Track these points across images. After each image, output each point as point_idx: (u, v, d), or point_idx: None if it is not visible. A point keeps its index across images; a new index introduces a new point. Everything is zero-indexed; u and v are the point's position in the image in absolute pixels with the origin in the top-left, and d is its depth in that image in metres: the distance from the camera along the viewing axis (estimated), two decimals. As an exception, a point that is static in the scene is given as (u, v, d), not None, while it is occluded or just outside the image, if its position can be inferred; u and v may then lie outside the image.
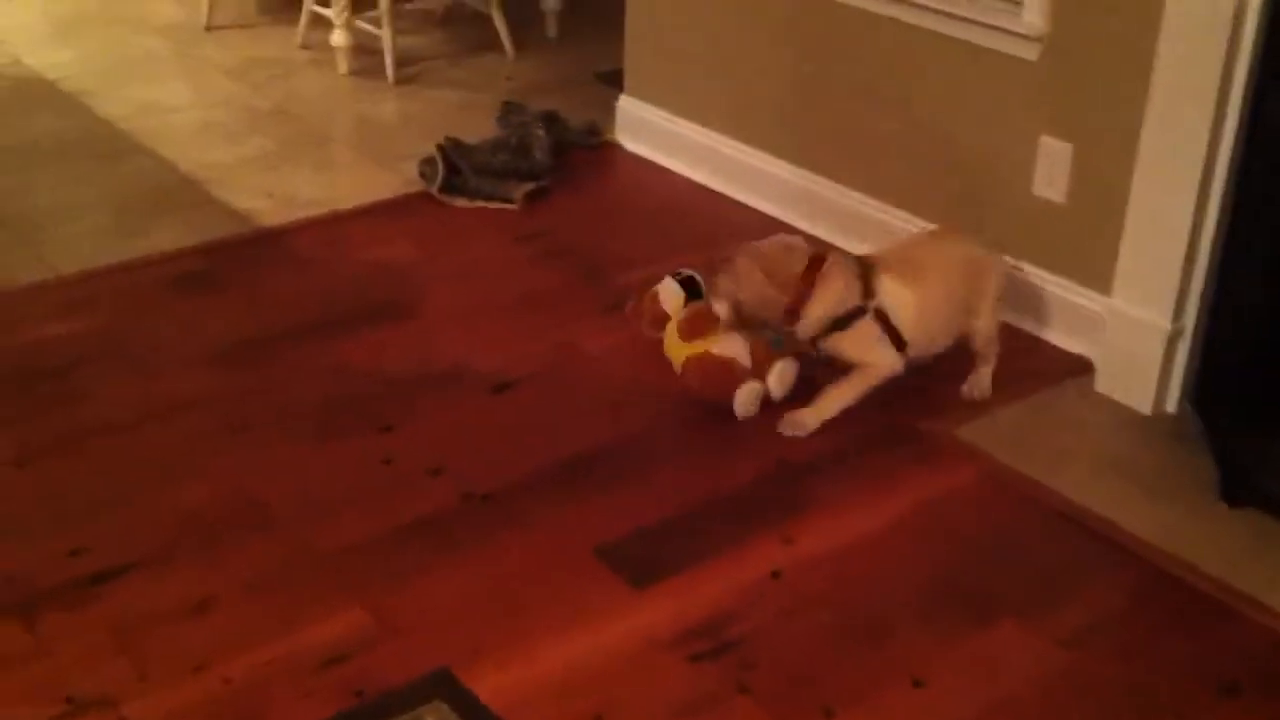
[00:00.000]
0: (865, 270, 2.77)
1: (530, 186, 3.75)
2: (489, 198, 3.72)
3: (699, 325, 2.82)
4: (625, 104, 4.10)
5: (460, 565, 2.38)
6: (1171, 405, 2.88)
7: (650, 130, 4.02)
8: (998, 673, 2.19)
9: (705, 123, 3.86)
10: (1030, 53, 3.00)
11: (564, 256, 3.45)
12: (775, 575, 2.38)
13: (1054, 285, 3.08)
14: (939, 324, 2.83)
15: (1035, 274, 3.11)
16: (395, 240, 3.52)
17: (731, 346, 2.78)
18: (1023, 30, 2.99)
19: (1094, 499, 2.59)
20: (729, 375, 2.77)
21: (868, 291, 2.74)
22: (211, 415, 2.77)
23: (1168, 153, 2.74)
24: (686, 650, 2.21)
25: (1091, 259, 2.98)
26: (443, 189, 3.73)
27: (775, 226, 3.60)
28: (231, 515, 2.48)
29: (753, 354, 2.79)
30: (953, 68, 3.18)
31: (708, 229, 3.61)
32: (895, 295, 2.76)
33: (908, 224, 3.34)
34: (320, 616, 2.24)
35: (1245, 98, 2.64)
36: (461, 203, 3.72)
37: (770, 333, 2.82)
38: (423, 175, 3.80)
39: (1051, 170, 3.03)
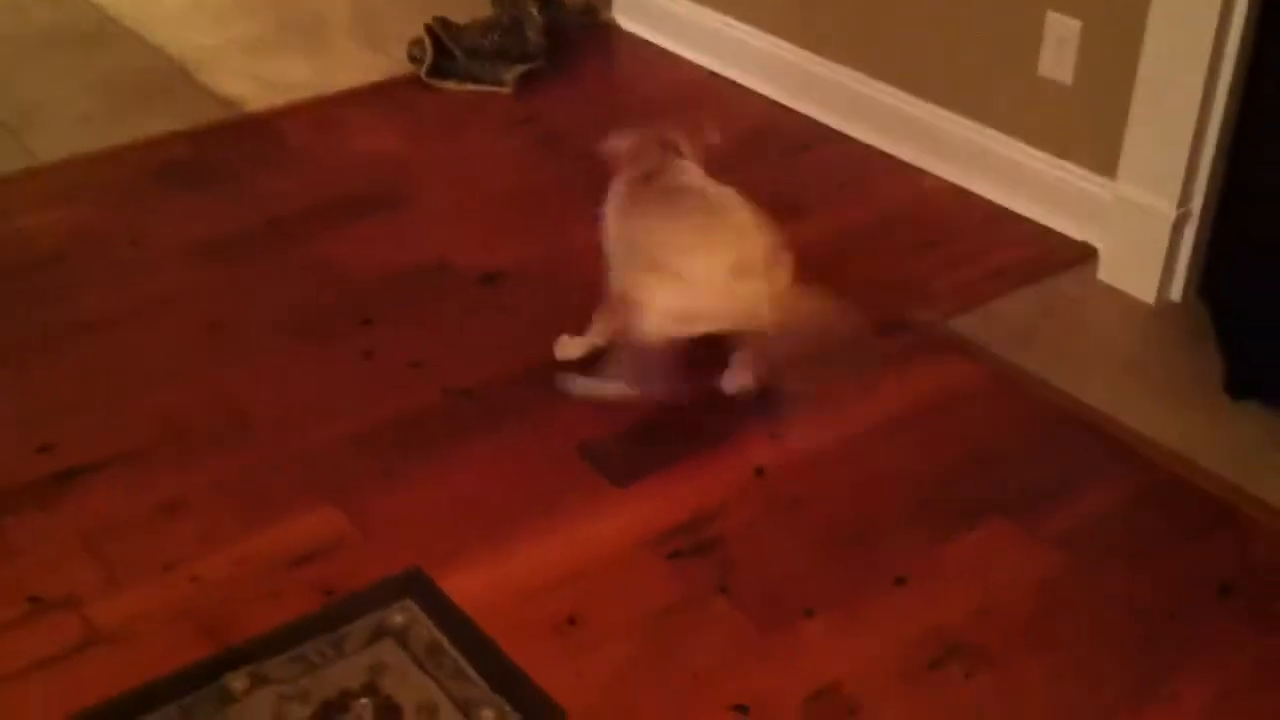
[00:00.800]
0: None
1: (523, 69, 3.65)
2: (479, 80, 3.62)
3: None
4: (624, -17, 3.98)
5: (439, 463, 2.33)
6: (1177, 294, 2.79)
7: (649, 10, 3.89)
8: (986, 573, 2.14)
9: (706, 2, 3.72)
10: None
11: (556, 144, 3.36)
12: (759, 473, 2.33)
13: (1059, 169, 2.97)
14: None
15: (1040, 158, 3.00)
16: (384, 127, 3.43)
17: None
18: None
19: (1094, 395, 2.52)
20: None
21: None
22: (191, 312, 2.71)
23: (1177, 29, 2.62)
24: (665, 549, 2.16)
25: (1098, 142, 2.87)
26: (431, 72, 3.63)
27: (778, 111, 3.52)
28: (207, 414, 2.43)
29: None
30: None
31: (705, 112, 3.47)
32: None
33: (913, 107, 3.23)
34: (291, 516, 2.20)
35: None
36: (451, 86, 3.62)
37: None
38: (412, 58, 3.69)
39: (1059, 49, 2.91)
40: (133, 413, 2.42)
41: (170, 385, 2.50)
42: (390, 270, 2.84)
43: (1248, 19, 2.55)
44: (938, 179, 3.20)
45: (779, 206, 2.89)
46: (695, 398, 2.45)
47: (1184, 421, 2.47)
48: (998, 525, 2.23)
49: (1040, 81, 2.96)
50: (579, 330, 2.55)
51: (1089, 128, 2.89)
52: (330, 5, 4.16)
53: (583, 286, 2.79)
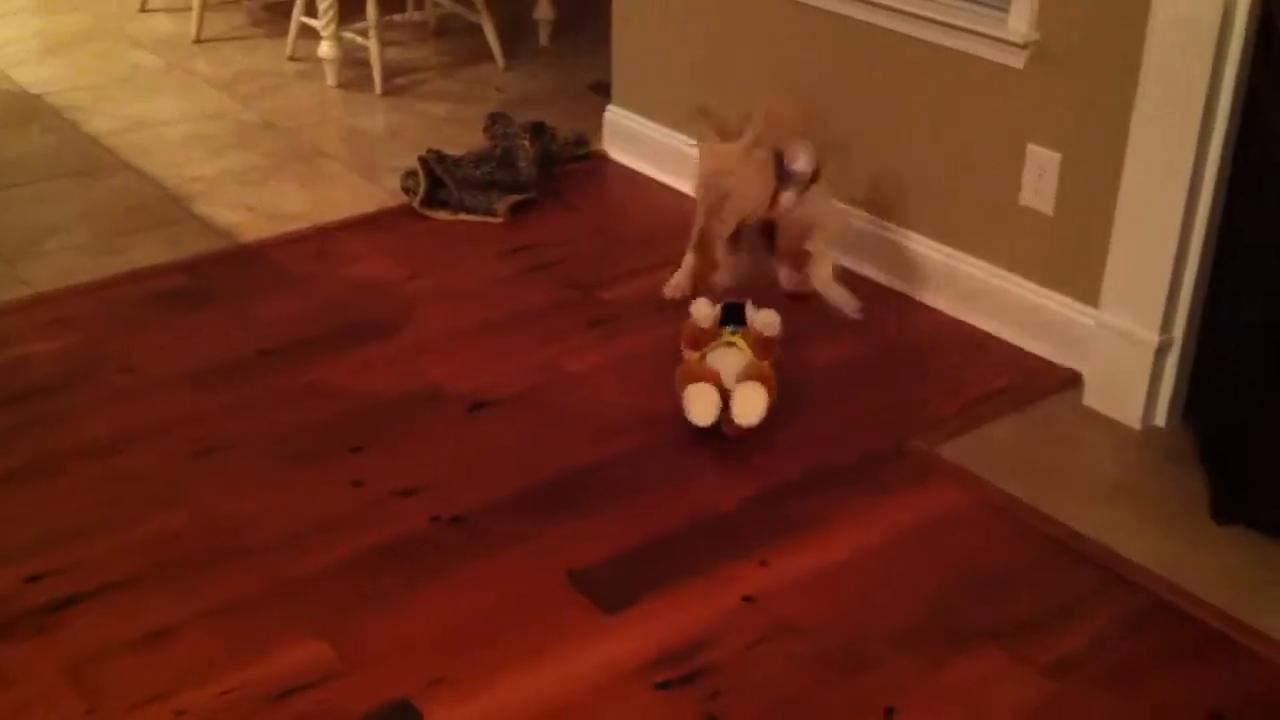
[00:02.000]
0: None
1: (515, 199, 3.71)
2: (472, 210, 3.68)
3: (699, 336, 2.75)
4: (613, 114, 4.05)
5: (427, 591, 2.33)
6: (1161, 420, 2.82)
7: (638, 141, 3.97)
8: (976, 704, 2.13)
9: (694, 133, 3.79)
10: (1017, 60, 2.94)
11: (549, 271, 3.40)
12: (748, 600, 2.33)
13: (1042, 297, 3.02)
14: None
15: (1024, 286, 3.04)
16: (377, 255, 3.48)
17: (722, 361, 2.71)
18: (1009, 37, 2.93)
19: (1084, 521, 2.53)
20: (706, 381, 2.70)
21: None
22: (188, 438, 2.72)
23: (1155, 161, 2.68)
24: (654, 678, 2.15)
25: (1079, 271, 2.92)
26: (425, 202, 3.69)
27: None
28: (200, 541, 2.43)
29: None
30: (941, 76, 3.11)
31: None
32: None
33: (895, 235, 3.29)
34: (280, 647, 2.19)
35: (1233, 106, 2.58)
36: (444, 216, 3.67)
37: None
38: (406, 189, 3.75)
39: (1039, 180, 2.97)
40: (124, 540, 2.42)
41: (162, 512, 2.50)
42: (381, 397, 2.87)
43: (1224, 151, 2.61)
44: (928, 308, 3.24)
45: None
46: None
47: (1173, 547, 2.47)
48: (989, 654, 2.23)
49: (1022, 211, 3.02)
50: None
51: (1071, 257, 2.94)
52: (325, 136, 4.25)
53: (571, 412, 2.83)
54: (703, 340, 2.74)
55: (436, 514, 2.51)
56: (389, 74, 4.60)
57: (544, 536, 2.47)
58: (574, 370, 2.99)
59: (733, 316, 2.80)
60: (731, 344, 2.73)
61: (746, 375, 2.67)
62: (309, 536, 2.45)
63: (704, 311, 2.75)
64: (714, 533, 2.50)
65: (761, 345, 2.72)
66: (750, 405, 2.66)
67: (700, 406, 2.67)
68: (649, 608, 2.30)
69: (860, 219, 3.37)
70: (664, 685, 2.14)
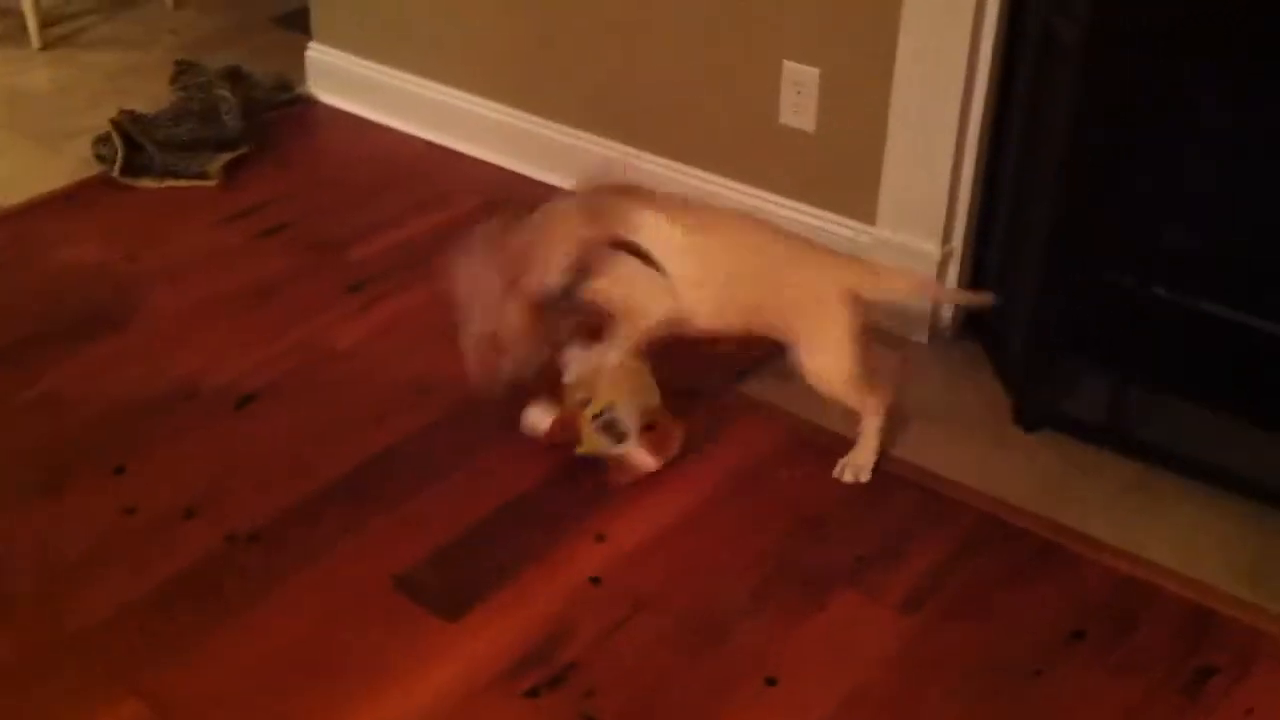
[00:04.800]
0: (614, 205, 2.41)
1: (226, 157, 3.37)
2: (180, 174, 3.33)
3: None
4: (316, 52, 3.74)
5: (239, 623, 2.08)
6: (947, 333, 2.83)
7: (349, 80, 3.68)
8: (847, 655, 2.08)
9: (409, 68, 3.55)
10: (766, -25, 2.85)
11: (285, 235, 3.11)
12: (595, 581, 2.19)
13: (812, 217, 2.96)
14: (720, 296, 2.41)
15: (794, 207, 2.98)
16: (83, 236, 3.09)
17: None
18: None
19: (898, 444, 2.50)
20: None
21: (622, 228, 2.39)
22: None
23: (926, 71, 2.64)
24: (520, 685, 2.00)
25: (853, 189, 2.87)
26: (125, 170, 3.31)
27: (504, 176, 3.38)
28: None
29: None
30: (684, -5, 2.99)
31: (434, 186, 3.33)
32: (658, 232, 2.39)
33: (649, 163, 3.16)
34: (86, 712, 1.91)
35: (1002, 9, 2.56)
36: (149, 183, 3.30)
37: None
38: (99, 157, 3.35)
39: (799, 98, 2.90)
40: None
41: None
42: (131, 402, 2.55)
43: (994, 53, 2.60)
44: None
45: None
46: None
47: (987, 460, 2.48)
48: (844, 598, 2.18)
49: (783, 129, 2.94)
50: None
51: (840, 175, 2.89)
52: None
53: (346, 394, 2.60)
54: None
55: (230, 532, 2.25)
56: (43, 23, 4.10)
57: (355, 540, 2.25)
58: (339, 345, 2.75)
59: None
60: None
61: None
62: (88, 578, 2.15)
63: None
64: (538, 511, 2.34)
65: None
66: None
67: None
68: (492, 606, 2.13)
69: (606, 147, 3.22)
70: (532, 693, 1.98)
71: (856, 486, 2.42)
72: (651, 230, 2.38)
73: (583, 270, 2.36)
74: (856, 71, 2.78)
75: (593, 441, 2.39)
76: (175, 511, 2.29)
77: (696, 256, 2.39)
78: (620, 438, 2.38)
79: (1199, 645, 2.10)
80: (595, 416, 2.37)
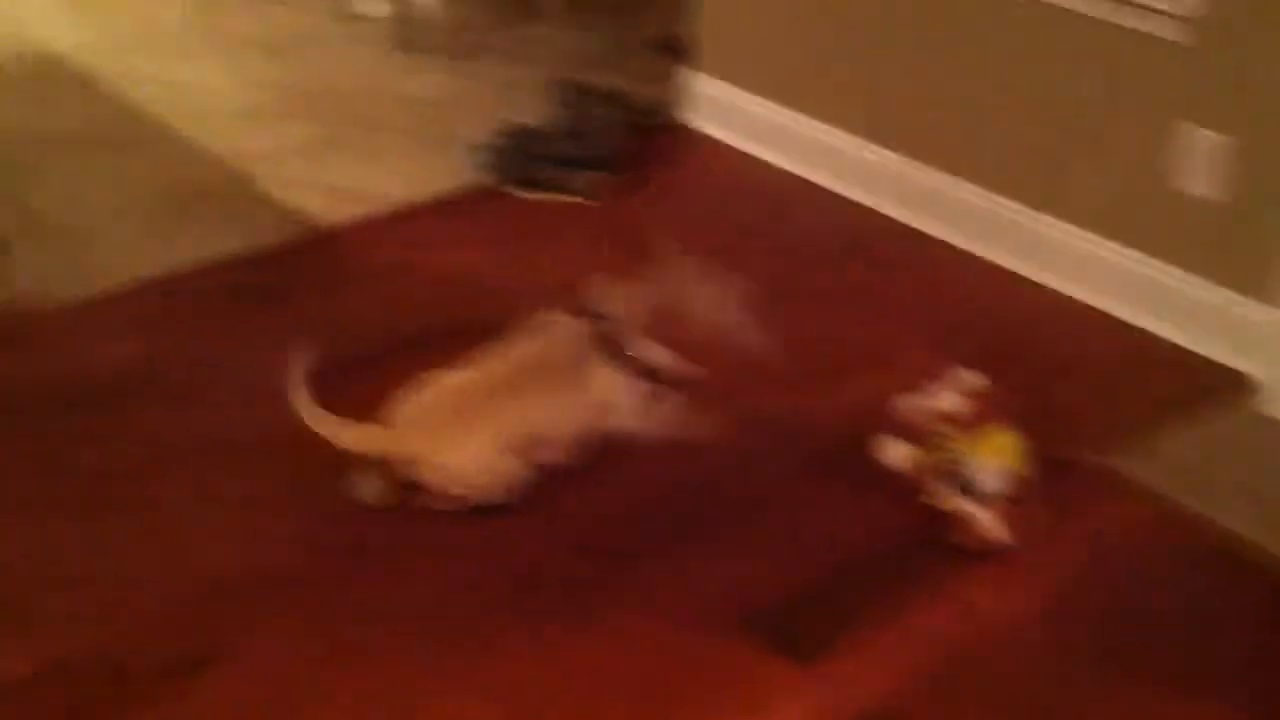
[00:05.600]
0: None
1: (603, 176, 3.45)
2: (558, 189, 3.42)
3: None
4: (697, 81, 3.78)
5: (584, 632, 2.10)
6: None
7: (727, 110, 3.71)
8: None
9: (786, 101, 3.55)
10: (1176, 33, 2.71)
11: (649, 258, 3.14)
12: (948, 649, 2.10)
13: (1205, 290, 2.79)
14: None
15: (1185, 279, 2.82)
16: (466, 241, 3.20)
17: None
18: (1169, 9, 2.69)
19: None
20: None
21: None
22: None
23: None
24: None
25: (1250, 263, 2.70)
26: (508, 180, 3.42)
27: (863, 213, 3.35)
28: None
29: None
30: (1083, 47, 2.87)
31: (794, 219, 3.33)
32: None
33: (1020, 215, 3.05)
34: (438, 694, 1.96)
35: None
36: (530, 195, 3.41)
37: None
38: (482, 165, 3.48)
39: (1199, 162, 2.74)
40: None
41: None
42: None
43: None
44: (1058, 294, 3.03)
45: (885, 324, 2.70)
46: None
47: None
48: (1206, 707, 2.02)
49: (1176, 195, 2.79)
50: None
51: (1239, 247, 2.72)
52: (377, 107, 3.93)
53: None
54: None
55: (585, 544, 2.28)
56: (442, 33, 4.30)
57: (711, 566, 2.24)
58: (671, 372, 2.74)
59: None
60: None
61: None
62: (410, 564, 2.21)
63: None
64: (902, 566, 2.27)
65: None
66: None
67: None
68: (839, 657, 2.08)
69: (980, 196, 3.14)
70: (878, 753, 1.92)
71: (1245, 587, 2.24)
72: None
73: None
74: (1268, 138, 2.61)
75: (935, 489, 2.30)
76: (530, 511, 2.32)
77: None
78: (966, 491, 2.28)
79: None
80: (943, 462, 2.29)
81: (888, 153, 3.33)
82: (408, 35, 4.32)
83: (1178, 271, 2.83)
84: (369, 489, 2.33)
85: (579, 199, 3.39)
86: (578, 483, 2.40)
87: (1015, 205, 3.09)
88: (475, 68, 4.21)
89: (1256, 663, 2.11)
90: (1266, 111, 2.63)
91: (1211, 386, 2.74)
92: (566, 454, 2.41)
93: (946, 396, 2.36)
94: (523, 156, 3.45)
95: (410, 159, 3.61)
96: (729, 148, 3.69)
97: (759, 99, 3.61)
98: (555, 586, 2.20)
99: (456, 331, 2.79)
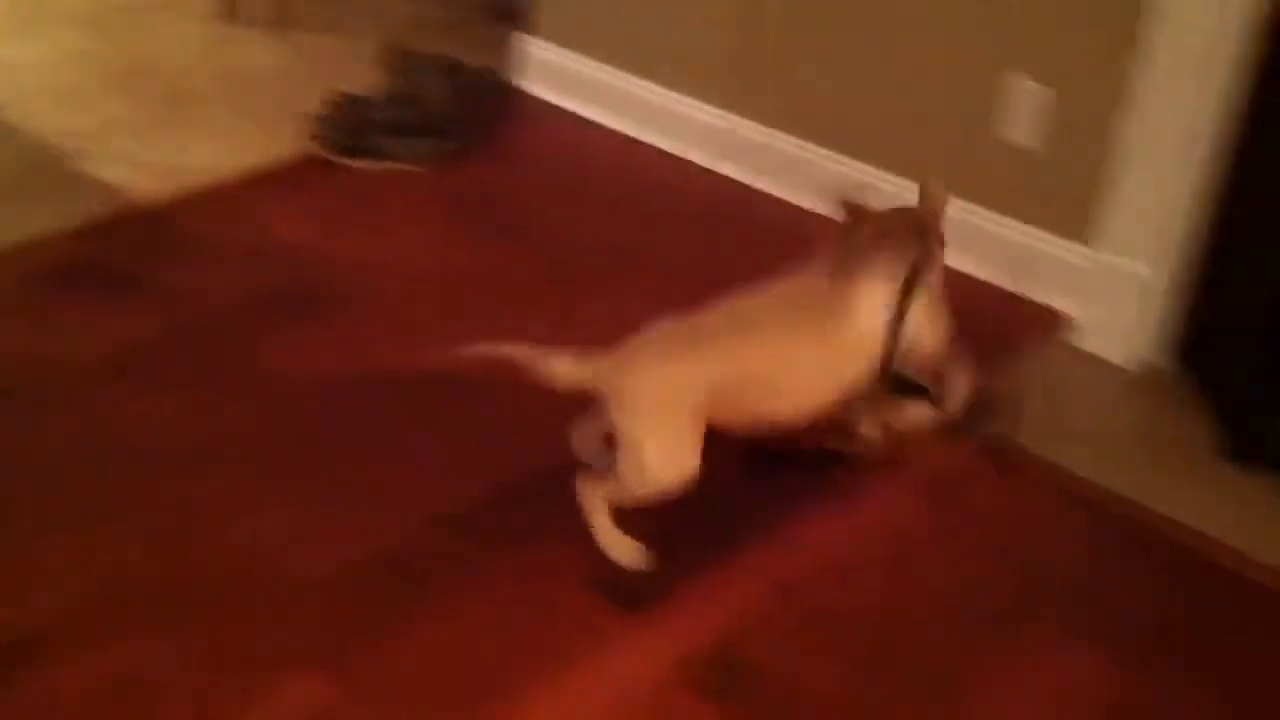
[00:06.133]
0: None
1: (439, 144, 3.41)
2: (393, 158, 3.37)
3: None
4: (532, 46, 3.76)
5: (430, 603, 2.09)
6: (1155, 360, 2.71)
7: (564, 76, 3.69)
8: (1039, 690, 2.00)
9: (625, 66, 3.55)
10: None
11: (493, 226, 3.13)
12: (779, 586, 2.15)
13: (1028, 237, 2.87)
14: None
15: (1008, 225, 2.89)
16: (296, 215, 3.15)
17: None
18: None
19: (1098, 471, 2.41)
20: None
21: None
22: (119, 445, 2.38)
23: (1159, 96, 2.54)
24: (695, 684, 1.97)
25: (1069, 208, 2.78)
26: (340, 151, 3.37)
27: (712, 179, 3.37)
28: (159, 570, 2.13)
29: None
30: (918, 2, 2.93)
31: (641, 187, 3.34)
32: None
33: (862, 173, 3.10)
34: (275, 683, 1.93)
35: (1243, 35, 2.45)
36: (363, 165, 3.36)
37: None
38: (315, 136, 3.42)
39: (1023, 113, 2.81)
40: (68, 573, 2.11)
41: (110, 529, 2.19)
42: (331, 382, 2.57)
43: (1229, 91, 2.48)
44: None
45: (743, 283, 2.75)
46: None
47: (1199, 495, 2.37)
48: (1039, 631, 2.10)
49: (1002, 145, 2.86)
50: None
51: (1060, 194, 2.80)
52: (202, 81, 3.83)
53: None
54: None
55: (434, 513, 2.26)
56: (268, 3, 4.21)
57: (550, 532, 2.23)
58: (539, 337, 2.74)
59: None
60: None
61: None
62: (287, 548, 2.18)
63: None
64: (727, 513, 2.30)
65: None
66: None
67: None
68: (674, 604, 2.10)
69: (822, 157, 3.18)
70: (707, 692, 1.95)
71: (1054, 513, 2.32)
72: None
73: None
74: (1088, 91, 2.69)
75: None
76: (382, 491, 2.31)
77: None
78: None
79: None
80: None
81: (727, 114, 3.35)
82: (232, 6, 4.22)
83: (1001, 218, 2.90)
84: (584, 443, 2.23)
85: (412, 167, 3.35)
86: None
87: (855, 163, 3.13)
88: (303, 37, 4.12)
89: (1086, 589, 2.19)
90: (1082, 64, 2.70)
91: (1034, 326, 2.82)
92: (805, 419, 2.17)
93: None
94: (354, 126, 3.40)
95: (237, 132, 3.53)
96: (565, 112, 3.69)
97: (594, 62, 3.61)
98: (420, 560, 2.19)
99: (282, 305, 2.78)
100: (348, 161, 3.36)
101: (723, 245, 3.11)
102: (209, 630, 2.02)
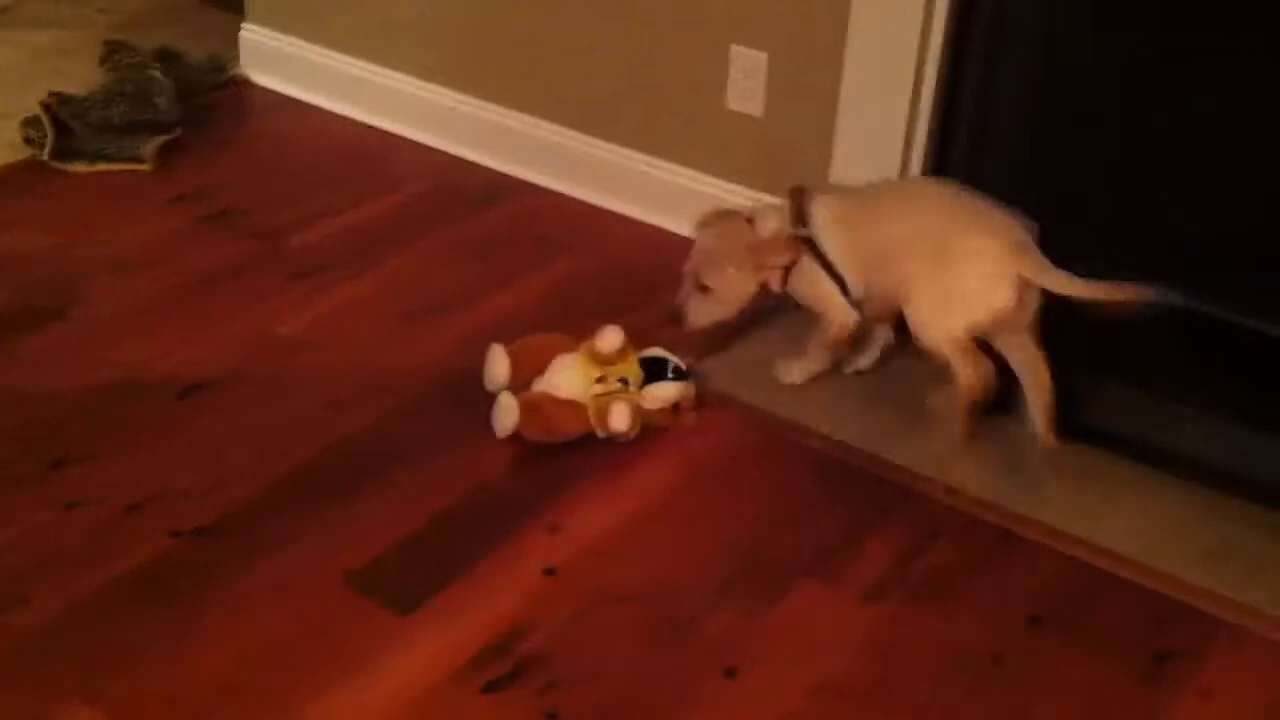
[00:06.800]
0: (799, 197, 2.51)
1: (160, 140, 3.29)
2: (113, 159, 3.24)
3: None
4: (250, 33, 3.66)
5: (190, 623, 2.02)
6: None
7: (284, 62, 3.60)
8: (810, 645, 2.06)
9: (348, 49, 3.48)
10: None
11: (225, 221, 3.04)
12: (550, 572, 2.16)
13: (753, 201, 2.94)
14: (879, 271, 2.45)
15: (740, 193, 2.96)
16: (14, 222, 2.99)
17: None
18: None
19: (855, 434, 2.49)
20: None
21: (801, 220, 2.49)
22: None
23: (876, 59, 2.63)
24: (478, 679, 1.96)
25: (798, 175, 2.85)
26: (55, 154, 3.21)
27: (446, 161, 3.34)
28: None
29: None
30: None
31: (375, 172, 3.29)
32: (828, 223, 2.48)
33: (592, 147, 3.12)
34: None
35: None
36: (81, 167, 3.21)
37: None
38: (28, 140, 3.25)
39: (747, 83, 2.88)
40: None
41: None
42: (70, 395, 2.47)
43: (944, 53, 2.59)
44: (635, 222, 3.11)
45: (480, 263, 2.73)
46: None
47: (936, 447, 2.47)
48: (805, 589, 2.16)
49: (731, 115, 2.92)
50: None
51: (787, 161, 2.87)
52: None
53: (295, 384, 2.54)
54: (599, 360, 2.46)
55: (176, 528, 2.19)
56: (-35, 1, 3.98)
57: (306, 535, 2.20)
58: (285, 334, 2.69)
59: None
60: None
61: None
62: (29, 578, 2.08)
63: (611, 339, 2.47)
64: (490, 503, 2.30)
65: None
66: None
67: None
68: (449, 600, 2.09)
69: (549, 131, 3.19)
70: (491, 687, 1.95)
71: (815, 479, 2.40)
72: (824, 223, 2.47)
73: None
74: (805, 56, 2.76)
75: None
76: (119, 506, 2.22)
77: (864, 234, 2.47)
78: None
79: (1158, 630, 2.12)
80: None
81: (460, 96, 3.32)
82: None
83: (729, 184, 2.96)
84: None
85: (133, 166, 3.22)
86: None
87: (597, 141, 3.14)
88: (9, 35, 3.91)
89: (837, 539, 2.27)
90: (794, 28, 2.77)
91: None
92: None
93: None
94: (70, 126, 3.25)
95: (-60, 140, 3.33)
96: (292, 100, 3.60)
97: (313, 46, 3.53)
98: (168, 572, 2.11)
99: (5, 324, 2.65)
100: (67, 165, 3.21)
101: (453, 225, 3.09)
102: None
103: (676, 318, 2.54)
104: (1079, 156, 2.56)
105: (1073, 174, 2.58)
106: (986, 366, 2.41)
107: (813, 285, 2.51)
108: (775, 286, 2.52)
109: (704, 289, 2.51)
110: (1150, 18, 2.45)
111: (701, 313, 2.53)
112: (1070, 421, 2.48)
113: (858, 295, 2.50)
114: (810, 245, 2.48)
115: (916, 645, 2.08)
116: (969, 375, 2.40)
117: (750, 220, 2.53)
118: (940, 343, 2.40)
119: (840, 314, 2.53)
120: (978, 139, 2.61)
